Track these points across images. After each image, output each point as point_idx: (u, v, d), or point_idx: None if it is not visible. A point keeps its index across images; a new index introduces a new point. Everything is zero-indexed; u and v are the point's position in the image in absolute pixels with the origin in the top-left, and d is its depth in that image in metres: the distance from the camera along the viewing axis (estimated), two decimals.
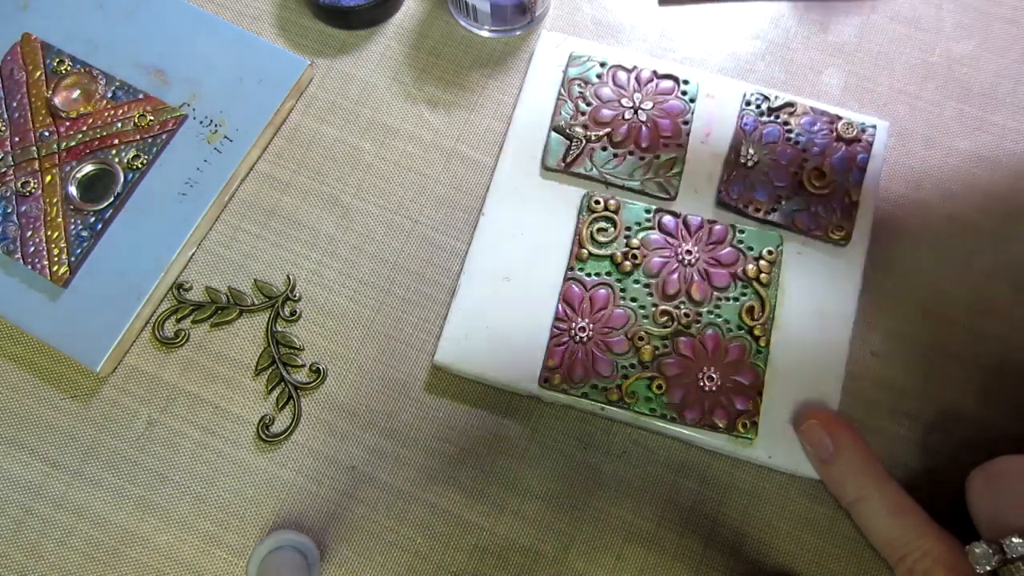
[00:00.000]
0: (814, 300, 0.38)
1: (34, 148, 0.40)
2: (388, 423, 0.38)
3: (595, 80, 0.42)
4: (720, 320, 0.38)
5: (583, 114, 0.41)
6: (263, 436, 0.37)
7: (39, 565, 0.36)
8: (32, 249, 0.38)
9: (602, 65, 0.42)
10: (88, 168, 0.40)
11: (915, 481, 0.37)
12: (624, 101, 0.41)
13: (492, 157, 0.42)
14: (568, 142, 0.41)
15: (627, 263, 0.38)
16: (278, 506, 0.37)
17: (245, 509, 0.37)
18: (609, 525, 0.37)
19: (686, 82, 0.42)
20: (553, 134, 0.41)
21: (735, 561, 0.36)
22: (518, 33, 0.44)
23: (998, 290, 0.40)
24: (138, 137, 0.40)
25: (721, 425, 0.36)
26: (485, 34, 0.44)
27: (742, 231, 0.39)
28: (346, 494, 0.37)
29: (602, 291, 0.38)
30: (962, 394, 0.38)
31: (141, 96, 0.41)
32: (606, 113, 0.41)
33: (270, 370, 0.39)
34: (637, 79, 0.42)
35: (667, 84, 0.42)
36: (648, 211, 0.39)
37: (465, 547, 0.37)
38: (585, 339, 0.38)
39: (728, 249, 0.39)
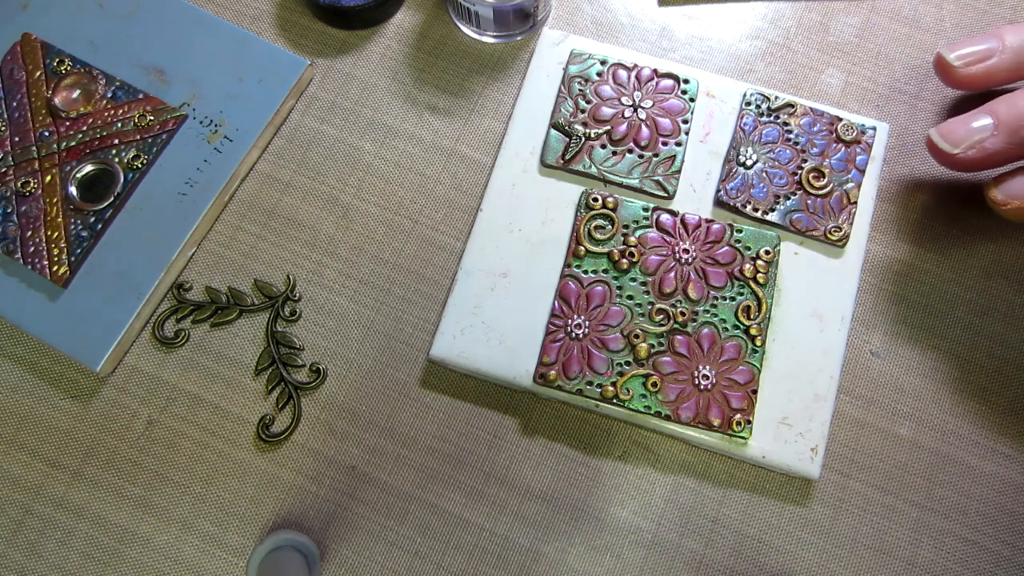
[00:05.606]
0: (810, 300, 0.38)
1: (34, 148, 0.40)
2: (388, 423, 0.38)
3: (595, 78, 0.42)
4: (716, 319, 0.38)
5: (583, 111, 0.41)
6: (263, 436, 0.38)
7: (39, 565, 0.36)
8: (32, 249, 0.39)
9: (603, 63, 0.42)
10: (88, 168, 0.40)
11: (913, 480, 0.37)
12: (624, 99, 0.41)
13: (492, 157, 0.42)
14: (567, 139, 0.41)
15: (624, 261, 0.38)
16: (278, 506, 0.37)
17: (245, 509, 0.37)
18: (609, 525, 0.37)
19: (686, 81, 0.42)
20: (552, 131, 0.41)
21: (735, 561, 0.36)
22: (519, 39, 0.44)
23: (998, 290, 0.40)
24: (138, 137, 0.40)
25: (715, 423, 0.36)
26: (487, 40, 0.44)
27: (740, 230, 0.39)
28: (346, 494, 0.37)
29: (599, 288, 0.38)
30: (962, 394, 0.38)
31: (141, 96, 0.41)
32: (606, 111, 0.41)
33: (270, 370, 0.39)
34: (637, 77, 0.42)
35: (667, 83, 0.42)
36: (646, 209, 0.39)
37: (465, 547, 0.37)
38: (581, 336, 0.38)
39: (725, 248, 0.39)
